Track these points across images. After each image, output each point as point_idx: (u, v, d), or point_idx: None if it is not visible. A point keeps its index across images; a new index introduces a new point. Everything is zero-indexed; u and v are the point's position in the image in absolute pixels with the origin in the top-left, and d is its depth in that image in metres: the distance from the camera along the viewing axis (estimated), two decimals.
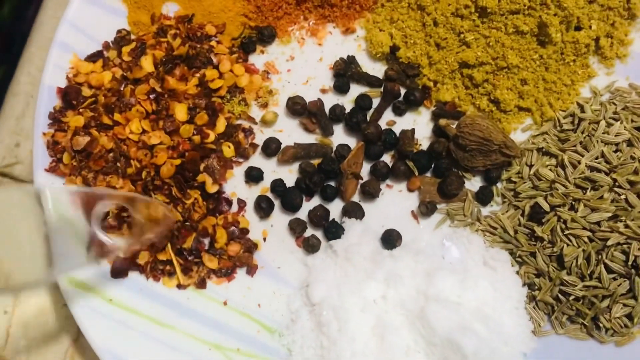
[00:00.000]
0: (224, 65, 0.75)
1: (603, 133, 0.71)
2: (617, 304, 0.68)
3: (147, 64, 0.72)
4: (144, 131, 0.70)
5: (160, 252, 0.69)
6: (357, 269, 0.70)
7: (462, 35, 0.75)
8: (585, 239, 0.68)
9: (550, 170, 0.72)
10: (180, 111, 0.71)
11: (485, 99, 0.75)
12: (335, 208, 0.73)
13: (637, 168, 0.69)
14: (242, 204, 0.73)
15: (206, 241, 0.71)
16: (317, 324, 0.68)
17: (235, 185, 0.74)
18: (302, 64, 0.77)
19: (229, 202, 0.73)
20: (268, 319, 0.69)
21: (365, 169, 0.74)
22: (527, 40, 0.74)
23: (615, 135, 0.71)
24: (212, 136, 0.72)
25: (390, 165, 0.74)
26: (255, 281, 0.71)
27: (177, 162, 0.70)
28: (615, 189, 0.68)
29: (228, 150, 0.73)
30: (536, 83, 0.75)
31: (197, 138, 0.71)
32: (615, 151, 0.71)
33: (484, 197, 0.73)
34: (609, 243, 0.67)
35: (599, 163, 0.70)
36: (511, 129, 0.75)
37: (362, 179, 0.74)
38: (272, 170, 0.74)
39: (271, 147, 0.74)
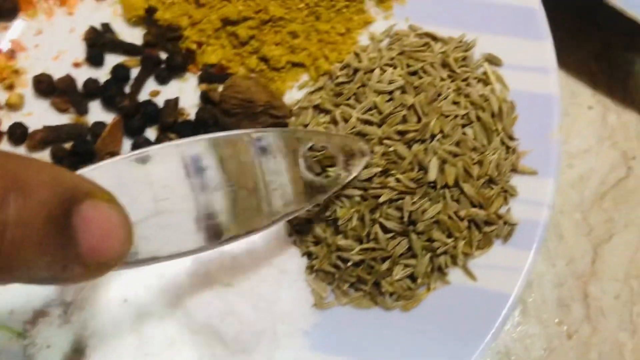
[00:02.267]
0: None
1: (376, 82, 0.65)
2: (398, 265, 0.62)
3: None
4: None
5: None
6: None
7: None
8: (358, 199, 0.62)
9: (324, 127, 0.66)
10: None
11: (254, 58, 0.69)
12: None
13: (405, 116, 0.63)
14: None
15: None
16: (68, 323, 0.60)
17: None
18: (52, 37, 0.69)
19: None
20: (7, 319, 0.62)
21: (127, 147, 0.67)
22: None
23: (389, 83, 0.65)
24: None
25: (154, 140, 0.67)
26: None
27: None
28: (385, 140, 0.63)
29: None
30: (308, 35, 0.69)
31: None
32: (389, 100, 0.65)
33: None
34: (381, 200, 0.61)
35: (371, 115, 0.64)
36: (286, 87, 0.69)
37: None
38: None
39: (17, 134, 0.66)
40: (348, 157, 0.60)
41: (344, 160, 0.59)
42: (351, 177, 0.59)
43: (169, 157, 0.48)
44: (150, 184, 0.46)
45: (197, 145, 0.49)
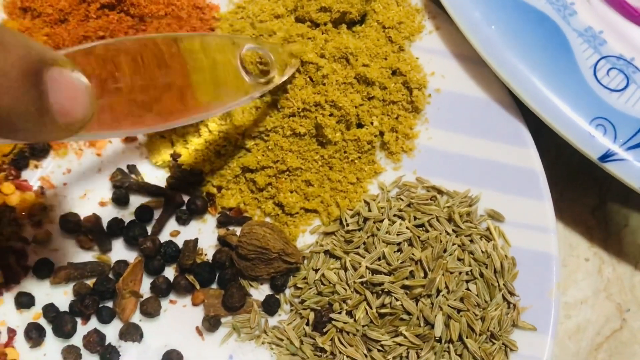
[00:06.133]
0: None
1: (385, 233, 0.69)
2: None
3: None
4: None
5: None
6: None
7: (240, 142, 0.72)
8: (365, 351, 0.65)
9: (334, 273, 0.69)
10: None
11: (270, 203, 0.73)
12: (113, 330, 0.69)
13: (413, 271, 0.66)
14: (12, 333, 0.68)
15: None
16: None
17: (5, 313, 0.69)
18: (80, 176, 0.74)
19: None
20: None
21: (147, 285, 0.70)
22: (306, 142, 0.72)
23: (397, 235, 0.69)
24: None
25: (172, 279, 0.70)
26: None
27: None
28: (393, 294, 0.66)
29: None
30: (321, 183, 0.73)
31: None
32: (397, 251, 0.69)
33: (270, 307, 0.70)
34: (389, 357, 0.64)
35: (379, 265, 0.68)
36: (299, 232, 0.73)
37: (142, 297, 0.70)
38: (46, 293, 0.70)
39: (42, 270, 0.70)
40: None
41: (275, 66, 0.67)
42: (283, 79, 0.68)
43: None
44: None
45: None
